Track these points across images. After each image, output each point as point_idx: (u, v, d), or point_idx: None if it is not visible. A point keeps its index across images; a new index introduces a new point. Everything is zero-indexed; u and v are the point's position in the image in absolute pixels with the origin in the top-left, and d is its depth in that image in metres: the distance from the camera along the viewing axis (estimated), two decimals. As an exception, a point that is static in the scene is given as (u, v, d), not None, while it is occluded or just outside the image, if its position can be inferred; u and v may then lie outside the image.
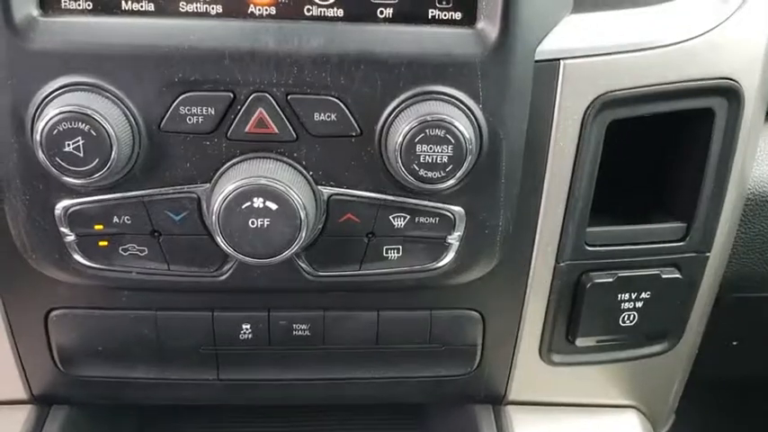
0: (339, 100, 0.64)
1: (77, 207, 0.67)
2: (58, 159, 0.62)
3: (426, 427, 0.92)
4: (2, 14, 0.61)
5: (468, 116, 0.64)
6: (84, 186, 0.65)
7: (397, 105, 0.65)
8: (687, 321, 0.83)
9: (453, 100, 0.65)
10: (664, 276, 0.77)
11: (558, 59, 0.68)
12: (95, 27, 0.63)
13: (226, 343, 0.77)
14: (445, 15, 0.66)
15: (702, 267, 0.80)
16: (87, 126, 0.61)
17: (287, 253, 0.66)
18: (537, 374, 0.84)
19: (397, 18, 0.65)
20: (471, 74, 0.65)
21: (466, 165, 0.64)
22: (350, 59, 0.64)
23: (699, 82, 0.70)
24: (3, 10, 0.61)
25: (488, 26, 0.65)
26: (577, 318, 0.78)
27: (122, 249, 0.70)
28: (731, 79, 0.71)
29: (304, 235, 0.65)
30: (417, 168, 0.64)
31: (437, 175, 0.65)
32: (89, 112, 0.61)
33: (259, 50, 0.63)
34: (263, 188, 0.63)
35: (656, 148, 0.80)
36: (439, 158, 0.64)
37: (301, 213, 0.64)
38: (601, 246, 0.76)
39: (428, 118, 0.63)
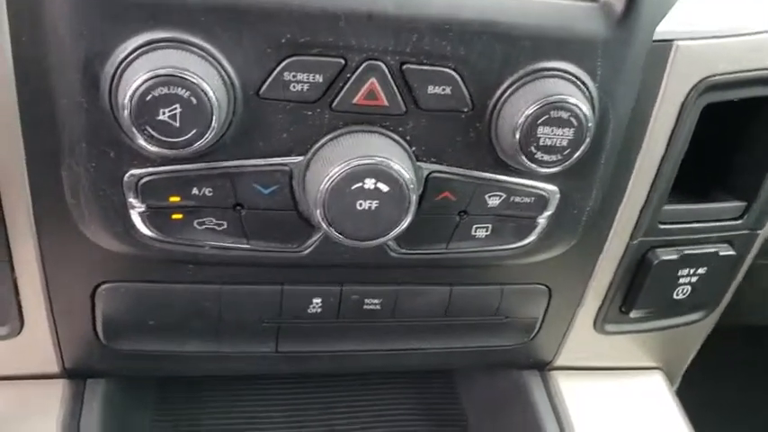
0: (456, 72, 0.56)
1: (152, 177, 0.57)
2: (148, 129, 0.51)
3: (468, 390, 0.88)
4: None
5: (586, 96, 0.58)
6: (167, 156, 0.55)
7: (514, 81, 0.57)
8: (726, 293, 0.82)
9: (572, 78, 0.58)
10: (721, 254, 0.76)
11: (672, 40, 0.63)
12: None
13: (292, 316, 0.69)
14: None
15: (751, 244, 0.78)
16: (187, 92, 0.50)
17: (391, 235, 0.59)
18: (584, 342, 0.81)
19: None
20: (592, 51, 0.58)
21: (582, 148, 0.58)
22: (472, 28, 0.55)
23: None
24: None
25: (614, 0, 0.58)
26: (637, 291, 0.75)
27: (198, 223, 0.60)
28: None
29: (410, 217, 0.58)
30: (535, 151, 0.58)
31: (554, 158, 0.58)
32: (189, 75, 0.50)
33: (377, 13, 0.53)
34: (377, 169, 0.55)
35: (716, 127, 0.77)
36: (559, 141, 0.58)
37: (412, 196, 0.57)
38: (671, 224, 0.73)
39: (552, 99, 0.56)
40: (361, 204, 0.57)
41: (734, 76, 0.65)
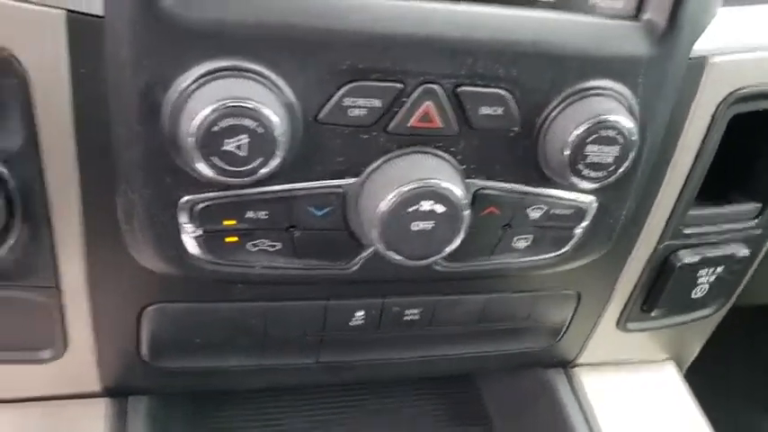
0: (508, 92, 0.57)
1: (209, 202, 0.57)
2: (214, 159, 0.51)
3: (490, 391, 0.90)
4: None
5: (629, 112, 0.60)
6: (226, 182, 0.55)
7: (562, 100, 0.59)
8: (739, 288, 0.86)
9: (616, 95, 0.59)
10: (738, 254, 0.78)
11: (706, 56, 0.64)
12: (255, 1, 0.51)
13: (335, 329, 0.70)
14: (605, 3, 0.60)
15: (764, 243, 0.82)
16: (255, 123, 0.50)
17: (443, 253, 0.60)
18: (606, 340, 0.84)
19: (558, 5, 0.59)
20: (635, 68, 0.59)
21: (626, 163, 0.60)
22: (525, 50, 0.56)
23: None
24: None
25: (656, 18, 0.59)
26: (659, 292, 0.78)
27: (251, 245, 0.60)
28: None
29: (462, 235, 0.59)
30: (582, 168, 0.59)
31: (600, 174, 0.60)
32: (255, 105, 0.50)
33: (435, 39, 0.54)
34: (433, 191, 0.56)
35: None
36: (606, 158, 0.59)
37: (465, 215, 0.58)
38: (693, 226, 0.75)
39: (601, 119, 0.57)
40: (417, 225, 0.58)
41: (760, 88, 0.67)
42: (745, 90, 0.66)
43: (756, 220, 0.78)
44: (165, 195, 0.56)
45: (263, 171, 0.53)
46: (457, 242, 0.60)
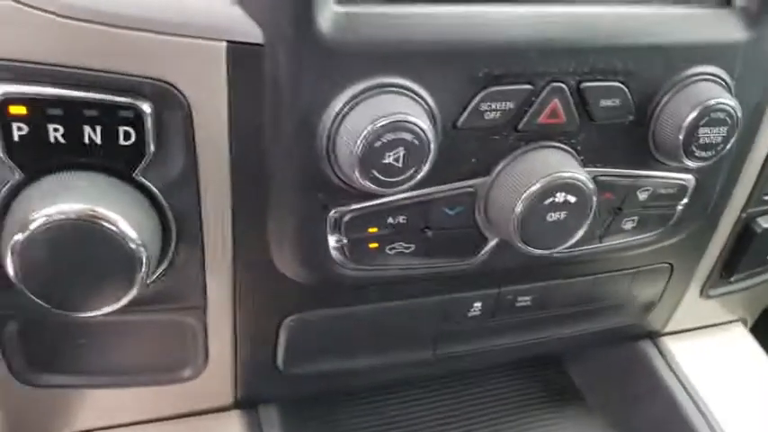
0: (624, 85, 0.61)
1: (356, 213, 0.60)
2: (374, 172, 0.54)
3: (577, 368, 0.95)
4: (300, 7, 0.50)
5: (731, 94, 0.64)
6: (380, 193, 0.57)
7: (671, 87, 0.62)
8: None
9: (718, 79, 0.63)
10: (809, 214, 0.84)
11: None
12: (400, 20, 0.54)
13: (454, 321, 0.73)
14: None
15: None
16: (411, 136, 0.53)
17: (571, 241, 0.63)
18: (689, 307, 0.88)
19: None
20: (733, 52, 0.63)
21: (731, 141, 0.64)
22: (638, 43, 0.60)
23: None
24: (301, 2, 0.50)
25: (749, 4, 0.63)
26: (740, 258, 0.83)
27: (389, 248, 0.63)
28: None
29: (589, 221, 0.63)
30: (695, 150, 0.63)
31: (710, 153, 0.64)
32: (412, 119, 0.53)
33: (560, 40, 0.58)
34: (567, 182, 0.59)
35: None
36: (715, 139, 0.63)
37: (593, 202, 0.62)
38: (769, 194, 0.80)
39: (711, 102, 0.61)
40: (551, 216, 0.61)
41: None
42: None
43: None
44: (317, 210, 0.59)
45: (414, 180, 0.56)
46: (584, 229, 0.63)
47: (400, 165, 0.55)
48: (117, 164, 0.54)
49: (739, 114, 0.63)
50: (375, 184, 0.55)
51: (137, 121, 0.53)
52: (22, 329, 0.62)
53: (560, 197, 0.60)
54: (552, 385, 0.94)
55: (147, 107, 0.52)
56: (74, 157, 0.53)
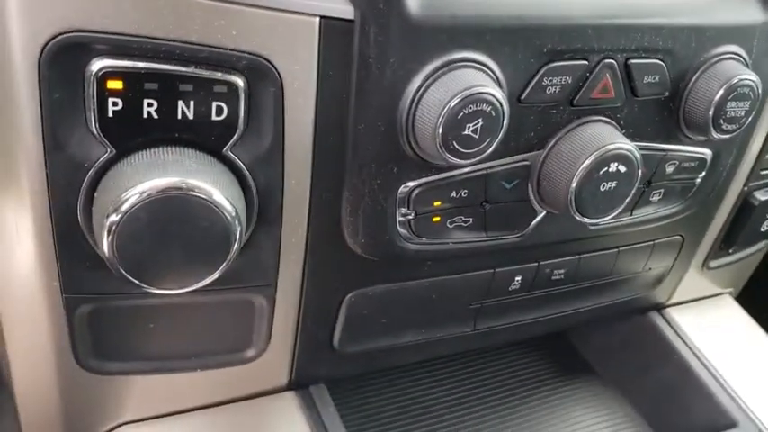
0: (663, 62, 0.65)
1: (424, 187, 0.62)
2: (454, 143, 0.56)
3: (584, 342, 0.99)
4: None
5: (751, 71, 0.69)
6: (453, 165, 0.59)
7: (700, 65, 0.67)
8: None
9: (740, 57, 0.69)
10: (799, 189, 0.91)
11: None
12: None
13: (496, 295, 0.76)
14: None
15: (811, 178, 0.94)
16: (489, 107, 0.56)
17: (618, 210, 0.67)
18: (692, 279, 0.94)
19: None
20: (752, 33, 0.69)
21: (752, 115, 0.70)
22: (676, 24, 0.65)
23: None
24: None
25: None
26: (739, 230, 0.89)
27: (449, 222, 0.66)
28: None
29: (635, 190, 0.67)
30: (723, 123, 0.68)
31: (735, 126, 0.69)
32: (489, 90, 0.56)
33: (614, 20, 0.62)
34: (620, 153, 0.63)
35: None
36: (740, 113, 0.69)
37: (639, 173, 0.66)
38: (765, 168, 0.86)
39: (738, 78, 0.67)
40: (603, 186, 0.65)
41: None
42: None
43: (809, 157, 0.91)
44: (392, 184, 0.61)
45: (486, 152, 0.59)
46: (629, 198, 0.67)
47: (477, 136, 0.57)
48: (207, 139, 0.55)
49: (760, 89, 0.68)
50: (454, 156, 0.57)
51: (230, 96, 0.54)
52: (93, 314, 0.61)
53: (613, 167, 0.64)
54: (562, 360, 0.98)
55: (241, 82, 0.53)
56: (165, 133, 0.54)
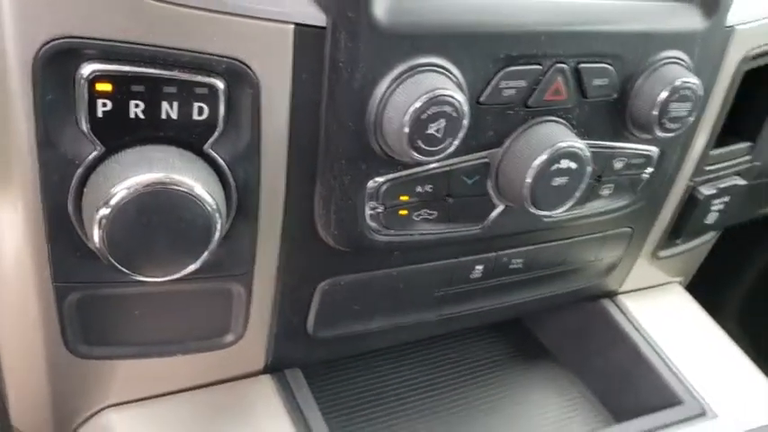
0: (612, 66, 0.71)
1: (392, 182, 0.67)
2: (419, 142, 0.61)
3: (541, 328, 1.04)
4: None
5: (692, 74, 0.74)
6: (420, 162, 0.64)
7: (646, 68, 0.73)
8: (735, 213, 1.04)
9: (682, 62, 0.74)
10: (738, 183, 0.96)
11: (733, 25, 0.80)
12: (440, 7, 0.61)
13: (458, 283, 0.81)
14: None
15: (754, 175, 1.00)
16: (451, 108, 0.61)
17: (568, 204, 0.72)
18: (641, 268, 0.99)
19: None
20: (694, 39, 0.75)
21: (694, 115, 0.75)
22: (625, 30, 0.70)
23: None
24: None
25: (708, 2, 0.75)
26: (685, 222, 0.95)
27: (416, 215, 0.71)
28: None
29: (584, 186, 0.72)
30: (666, 122, 0.74)
31: (677, 126, 0.75)
32: (450, 93, 0.60)
33: (566, 27, 0.67)
34: (570, 151, 0.68)
35: None
36: (682, 113, 0.74)
37: (589, 170, 0.70)
38: (713, 164, 0.92)
39: (680, 81, 0.72)
40: (556, 181, 0.70)
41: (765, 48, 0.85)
42: (757, 50, 0.83)
43: (749, 156, 0.97)
44: (361, 179, 0.66)
45: (449, 150, 0.63)
46: (579, 193, 0.72)
47: (441, 135, 0.62)
48: (189, 137, 0.59)
49: (701, 92, 0.74)
50: (419, 153, 0.62)
51: (210, 97, 0.58)
52: (82, 302, 0.65)
53: (564, 164, 0.69)
54: (521, 345, 1.04)
55: (220, 84, 0.57)
56: (150, 132, 0.58)
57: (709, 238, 1.06)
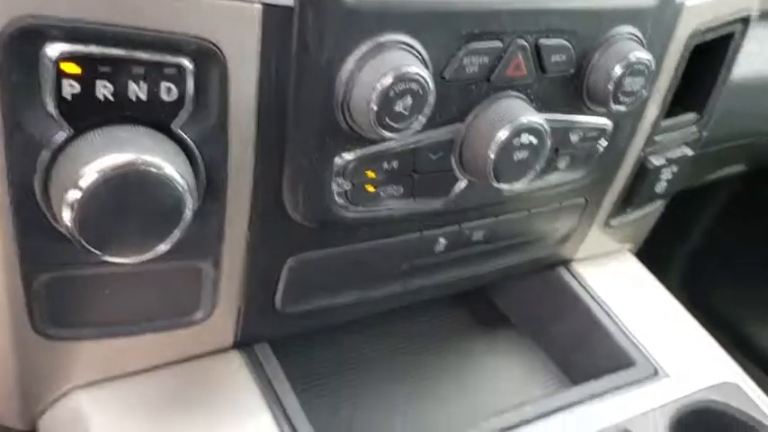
0: (569, 42, 0.72)
1: (359, 159, 0.67)
2: (387, 119, 0.62)
3: (500, 296, 1.07)
4: None
5: (645, 49, 0.77)
6: (387, 138, 0.65)
7: (601, 43, 0.75)
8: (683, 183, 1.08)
9: (636, 38, 0.77)
10: (687, 154, 1.00)
11: (684, 2, 0.83)
12: None
13: (423, 256, 0.83)
14: None
15: (699, 143, 1.04)
16: (417, 85, 0.62)
17: (528, 177, 0.74)
18: (594, 237, 1.03)
19: None
20: (647, 15, 0.77)
21: (647, 89, 0.78)
22: (581, 7, 0.72)
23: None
24: None
25: None
26: (636, 191, 0.98)
27: (382, 191, 0.72)
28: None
29: (544, 160, 0.74)
30: (621, 96, 0.76)
31: (631, 99, 0.77)
32: (416, 70, 0.61)
33: (525, 5, 0.68)
34: (530, 125, 0.70)
35: None
36: (636, 87, 0.76)
37: (548, 143, 0.72)
38: (661, 134, 0.95)
39: (634, 56, 0.74)
40: (517, 155, 0.72)
41: (716, 22, 0.87)
42: (705, 24, 0.86)
43: (695, 127, 1.00)
44: (328, 157, 0.66)
45: (416, 126, 0.64)
46: (539, 166, 0.74)
47: (407, 112, 0.63)
48: (157, 118, 0.59)
49: (653, 67, 0.76)
50: (387, 130, 0.63)
51: (179, 77, 0.58)
52: (50, 283, 0.64)
53: (525, 138, 0.71)
54: (481, 314, 1.07)
55: (189, 64, 0.57)
56: (118, 112, 0.57)
57: (657, 206, 1.10)
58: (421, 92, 0.63)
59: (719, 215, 1.88)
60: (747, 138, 1.29)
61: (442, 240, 0.84)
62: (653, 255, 1.21)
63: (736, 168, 1.56)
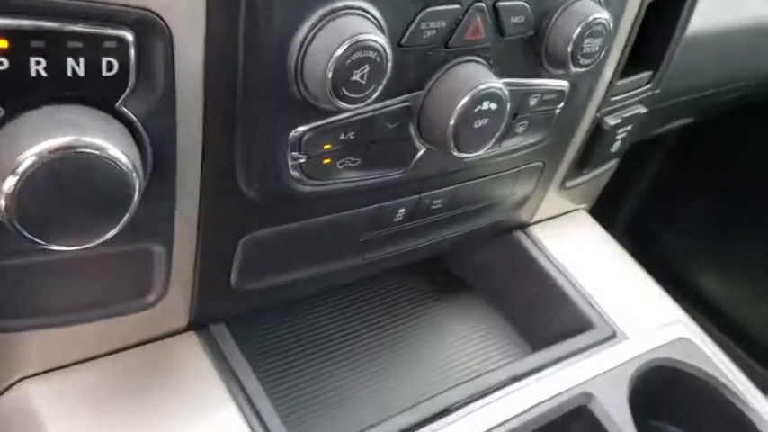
0: (527, 4, 0.70)
1: (315, 131, 0.64)
2: (343, 90, 0.59)
3: (457, 262, 1.06)
4: None
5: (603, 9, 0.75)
6: (342, 109, 0.62)
7: (560, 5, 0.73)
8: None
9: (594, -1, 0.75)
10: (641, 112, 0.99)
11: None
12: None
13: (383, 227, 0.80)
14: None
15: (654, 101, 1.03)
16: (374, 53, 0.59)
17: (489, 144, 0.72)
18: (551, 199, 1.02)
19: None
20: None
21: (605, 50, 0.76)
22: None
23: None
24: None
25: None
26: (592, 152, 0.97)
27: (339, 163, 0.69)
28: None
29: (503, 126, 0.72)
30: (580, 58, 0.75)
31: (590, 61, 0.76)
32: (374, 38, 0.58)
33: None
34: (491, 92, 0.68)
35: None
36: (594, 48, 0.75)
37: (508, 109, 0.71)
38: (617, 95, 0.94)
39: (593, 17, 0.73)
40: (477, 123, 0.70)
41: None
42: (657, -15, 0.85)
43: (650, 85, 1.00)
44: (282, 129, 0.63)
45: (373, 96, 0.61)
46: (499, 133, 0.72)
47: (364, 81, 0.60)
48: (99, 95, 0.54)
49: (611, 27, 0.75)
50: (343, 101, 0.60)
51: (120, 51, 0.53)
52: (-11, 274, 0.60)
53: (485, 105, 0.69)
54: (439, 281, 1.06)
55: (130, 36, 0.53)
56: (56, 91, 0.53)
57: (612, 164, 1.10)
58: (378, 60, 0.60)
59: (662, 166, 1.92)
60: (700, 92, 1.30)
61: (402, 210, 0.82)
62: (600, 208, 1.22)
63: (684, 122, 1.59)
